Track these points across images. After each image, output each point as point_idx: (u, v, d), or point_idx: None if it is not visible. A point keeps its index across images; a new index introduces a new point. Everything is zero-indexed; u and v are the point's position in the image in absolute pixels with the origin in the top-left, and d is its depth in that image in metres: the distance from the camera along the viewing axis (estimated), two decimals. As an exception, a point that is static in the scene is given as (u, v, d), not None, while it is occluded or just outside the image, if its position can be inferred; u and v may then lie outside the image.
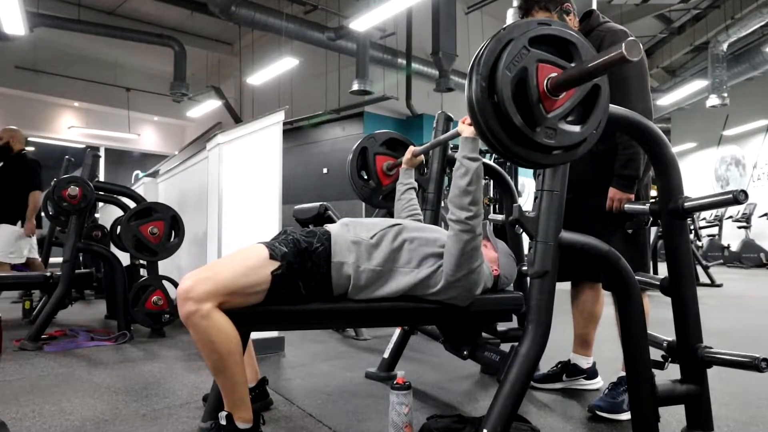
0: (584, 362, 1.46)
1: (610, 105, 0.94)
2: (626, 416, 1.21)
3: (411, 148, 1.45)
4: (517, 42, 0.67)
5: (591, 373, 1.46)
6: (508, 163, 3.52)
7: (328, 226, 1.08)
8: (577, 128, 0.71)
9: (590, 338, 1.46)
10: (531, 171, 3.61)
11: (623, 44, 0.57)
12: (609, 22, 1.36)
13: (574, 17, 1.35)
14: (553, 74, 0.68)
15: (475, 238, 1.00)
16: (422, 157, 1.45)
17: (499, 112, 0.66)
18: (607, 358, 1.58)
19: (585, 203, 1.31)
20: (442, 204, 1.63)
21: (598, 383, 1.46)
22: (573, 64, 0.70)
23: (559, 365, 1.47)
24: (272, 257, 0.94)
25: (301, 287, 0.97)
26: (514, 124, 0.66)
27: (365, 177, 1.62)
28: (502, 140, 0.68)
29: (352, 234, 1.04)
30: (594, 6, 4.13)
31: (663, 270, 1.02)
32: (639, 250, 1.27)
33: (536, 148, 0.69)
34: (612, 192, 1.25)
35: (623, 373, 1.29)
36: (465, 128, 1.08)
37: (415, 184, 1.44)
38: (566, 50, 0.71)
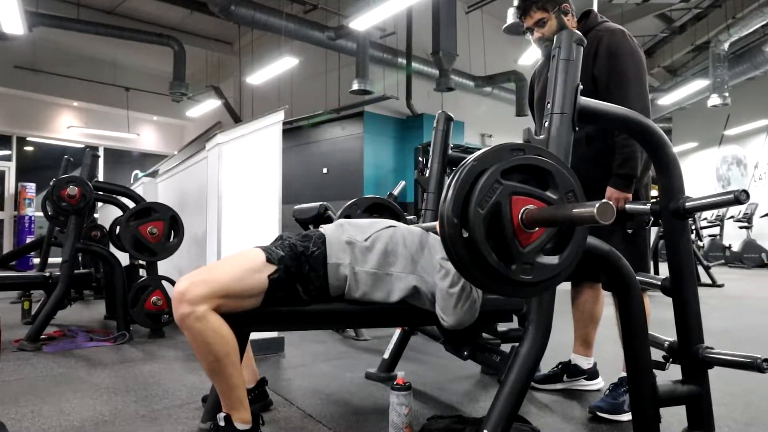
0: (585, 363, 1.46)
1: (611, 105, 0.95)
2: (627, 417, 1.20)
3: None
4: (489, 175, 0.64)
5: (592, 374, 1.46)
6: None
7: (323, 227, 1.07)
8: (555, 260, 0.67)
9: (591, 339, 1.46)
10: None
11: (596, 207, 0.55)
12: (607, 22, 1.35)
13: (572, 17, 1.34)
14: (530, 206, 0.65)
15: (467, 321, 0.99)
16: None
17: (473, 248, 0.63)
18: (607, 358, 1.58)
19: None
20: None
21: (599, 384, 1.46)
22: (549, 193, 0.67)
23: (560, 366, 1.46)
24: (269, 261, 0.94)
25: (300, 291, 0.97)
26: (488, 263, 0.63)
27: None
28: (476, 276, 0.65)
29: (346, 235, 1.04)
30: (595, 5, 4.12)
31: (664, 270, 1.02)
32: (639, 250, 1.27)
33: (513, 284, 0.66)
34: (609, 191, 1.25)
35: (624, 374, 1.29)
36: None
37: None
38: (541, 177, 0.68)
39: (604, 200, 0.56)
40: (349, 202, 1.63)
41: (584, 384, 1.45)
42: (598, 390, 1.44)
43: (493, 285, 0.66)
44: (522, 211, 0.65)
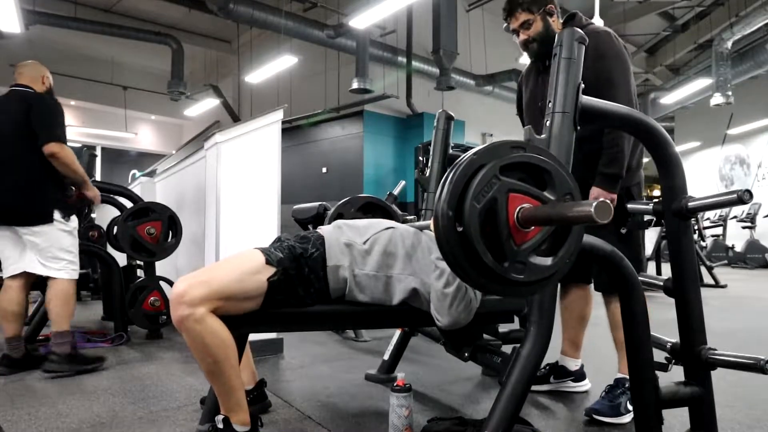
0: (572, 364, 1.45)
1: (613, 104, 0.94)
2: (625, 419, 1.20)
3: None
4: (488, 170, 0.64)
5: (579, 376, 1.45)
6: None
7: (321, 229, 1.07)
8: (548, 261, 0.67)
9: (579, 340, 1.45)
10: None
11: (593, 207, 0.55)
12: (593, 24, 1.35)
13: (557, 19, 1.33)
14: (526, 205, 0.65)
15: (463, 321, 0.98)
16: None
17: (466, 242, 0.63)
18: (608, 359, 1.57)
19: None
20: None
21: (587, 385, 1.45)
22: (546, 193, 0.67)
23: (547, 367, 1.46)
24: (268, 263, 0.94)
25: (302, 294, 0.96)
26: (480, 258, 0.63)
27: None
28: (468, 272, 0.65)
29: (344, 237, 1.03)
30: (596, 3, 4.08)
31: (666, 271, 1.01)
32: (633, 250, 1.26)
33: (504, 283, 0.65)
34: (595, 191, 1.24)
35: (620, 375, 1.28)
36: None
37: None
38: (540, 177, 0.68)
39: (601, 199, 0.56)
40: (341, 201, 1.61)
41: (571, 386, 1.44)
42: (585, 392, 1.43)
43: (484, 282, 0.66)
44: (518, 209, 0.65)
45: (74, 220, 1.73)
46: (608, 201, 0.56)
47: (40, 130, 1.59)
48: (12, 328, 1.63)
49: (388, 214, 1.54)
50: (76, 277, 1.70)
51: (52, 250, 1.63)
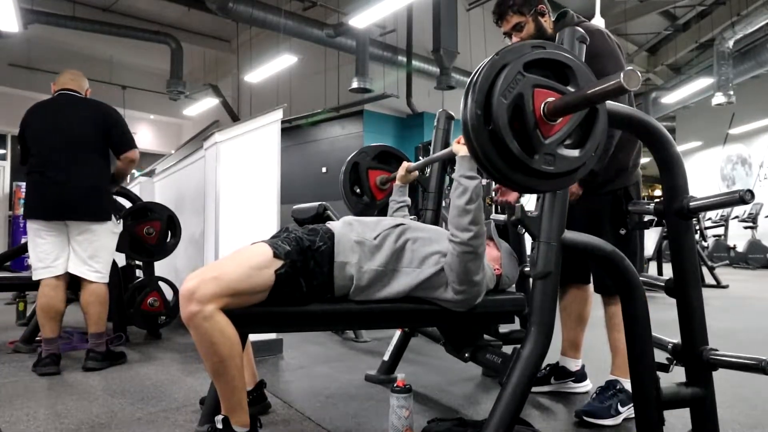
0: (573, 365, 1.44)
1: (613, 103, 0.93)
2: (614, 421, 1.19)
3: (404, 164, 1.43)
4: (512, 67, 0.65)
5: (580, 376, 1.44)
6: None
7: (331, 224, 1.06)
8: (575, 152, 0.69)
9: (579, 340, 1.44)
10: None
11: (622, 74, 0.55)
12: (585, 22, 1.33)
13: (549, 18, 1.32)
14: (550, 99, 0.66)
15: (477, 257, 0.99)
16: (416, 173, 1.43)
17: (496, 139, 0.65)
18: (609, 360, 1.56)
19: (574, 204, 1.28)
20: (443, 204, 1.61)
21: (587, 386, 1.45)
22: (569, 87, 0.68)
23: (548, 368, 1.45)
24: (276, 256, 0.93)
25: (303, 286, 0.96)
26: (511, 152, 0.65)
27: (358, 192, 1.61)
28: (500, 168, 0.66)
29: (355, 234, 1.03)
30: (597, 2, 4.07)
31: (668, 271, 1.00)
32: (631, 251, 1.25)
33: (535, 175, 0.67)
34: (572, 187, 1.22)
35: (612, 377, 1.28)
36: (460, 148, 1.07)
37: (408, 201, 1.43)
38: (562, 73, 0.69)
39: (630, 68, 0.57)
40: (357, 150, 1.63)
41: (572, 386, 1.44)
42: (586, 392, 1.43)
43: (516, 176, 0.67)
44: (544, 103, 0.66)
45: (121, 224, 1.87)
46: (637, 72, 0.56)
47: (122, 138, 1.79)
48: (57, 328, 1.69)
49: (401, 161, 1.54)
50: (107, 281, 1.77)
51: (99, 251, 1.72)
